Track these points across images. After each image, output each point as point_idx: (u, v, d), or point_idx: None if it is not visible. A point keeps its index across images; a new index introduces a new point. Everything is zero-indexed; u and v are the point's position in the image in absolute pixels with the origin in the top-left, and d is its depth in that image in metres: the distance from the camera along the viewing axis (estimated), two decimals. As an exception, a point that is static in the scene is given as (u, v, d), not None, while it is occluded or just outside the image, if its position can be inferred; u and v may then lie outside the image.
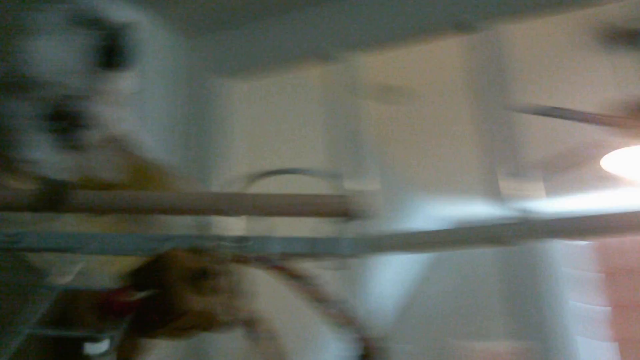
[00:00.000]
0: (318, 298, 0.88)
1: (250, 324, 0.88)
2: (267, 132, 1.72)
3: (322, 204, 0.86)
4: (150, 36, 1.42)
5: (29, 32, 0.77)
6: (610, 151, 2.37)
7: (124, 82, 0.85)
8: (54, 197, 0.77)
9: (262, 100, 1.69)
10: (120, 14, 0.79)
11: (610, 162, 2.49)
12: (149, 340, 0.74)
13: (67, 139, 0.82)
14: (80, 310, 0.74)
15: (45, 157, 0.81)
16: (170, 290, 0.71)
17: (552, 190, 1.53)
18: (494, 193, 1.38)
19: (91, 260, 0.80)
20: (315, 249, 0.87)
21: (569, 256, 3.47)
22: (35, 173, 0.81)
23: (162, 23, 1.44)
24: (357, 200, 0.86)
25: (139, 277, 0.74)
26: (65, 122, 0.81)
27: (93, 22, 0.76)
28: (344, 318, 0.87)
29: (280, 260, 0.86)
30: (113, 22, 0.78)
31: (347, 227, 0.85)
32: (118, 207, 0.81)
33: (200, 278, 0.74)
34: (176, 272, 0.72)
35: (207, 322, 0.73)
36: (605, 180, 2.74)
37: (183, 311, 0.70)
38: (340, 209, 0.85)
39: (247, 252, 0.84)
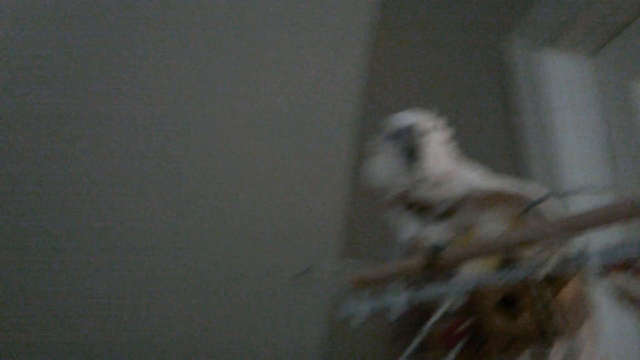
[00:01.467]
0: None
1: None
2: None
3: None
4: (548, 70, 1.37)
5: (371, 154, 1.05)
6: None
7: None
8: (431, 261, 0.94)
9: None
10: (405, 118, 1.01)
11: None
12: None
13: (428, 215, 1.02)
14: (431, 341, 0.91)
15: (418, 232, 1.01)
16: (478, 317, 0.85)
17: None
18: None
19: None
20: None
21: None
22: (415, 246, 1.01)
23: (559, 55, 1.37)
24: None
25: (465, 309, 0.89)
26: (419, 206, 1.01)
27: (398, 134, 1.00)
28: None
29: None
30: (405, 127, 1.00)
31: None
32: (478, 252, 0.92)
33: (508, 302, 0.84)
34: (482, 301, 0.85)
35: (521, 341, 0.84)
36: None
37: (488, 334, 0.83)
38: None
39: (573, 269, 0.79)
